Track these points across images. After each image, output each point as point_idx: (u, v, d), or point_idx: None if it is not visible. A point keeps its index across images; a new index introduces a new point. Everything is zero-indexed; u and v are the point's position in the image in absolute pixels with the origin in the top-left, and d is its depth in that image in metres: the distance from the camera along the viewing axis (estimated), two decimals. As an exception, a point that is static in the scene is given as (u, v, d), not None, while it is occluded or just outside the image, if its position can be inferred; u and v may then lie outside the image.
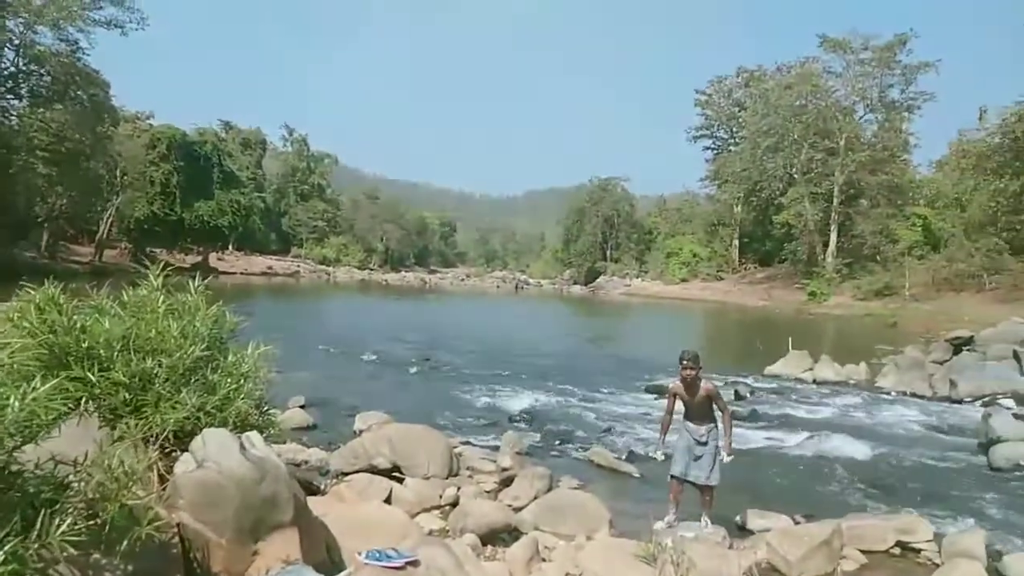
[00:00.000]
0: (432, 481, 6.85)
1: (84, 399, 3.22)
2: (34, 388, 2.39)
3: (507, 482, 7.18)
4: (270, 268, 63.95)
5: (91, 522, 2.45)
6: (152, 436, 3.36)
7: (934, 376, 15.94)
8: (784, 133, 52.80)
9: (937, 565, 5.65)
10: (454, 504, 6.38)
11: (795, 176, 53.01)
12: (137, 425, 3.36)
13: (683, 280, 62.36)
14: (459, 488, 6.80)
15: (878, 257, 47.56)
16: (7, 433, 2.26)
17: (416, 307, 40.52)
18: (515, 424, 10.42)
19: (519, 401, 12.03)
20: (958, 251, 42.15)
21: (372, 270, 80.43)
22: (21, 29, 36.78)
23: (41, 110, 38.50)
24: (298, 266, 69.71)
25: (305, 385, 11.67)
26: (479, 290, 67.60)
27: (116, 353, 3.52)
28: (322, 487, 6.24)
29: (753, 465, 8.74)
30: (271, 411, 6.39)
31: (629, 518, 6.10)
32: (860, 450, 9.64)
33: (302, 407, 10.07)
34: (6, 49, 37.16)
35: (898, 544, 6.02)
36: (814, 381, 16.25)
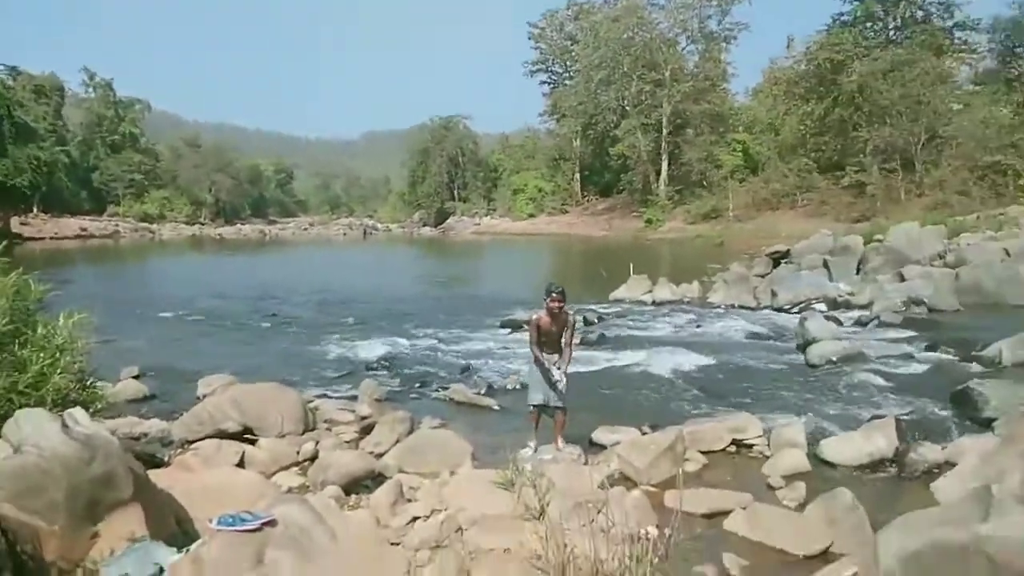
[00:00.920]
0: (288, 439, 6.62)
1: None
2: None
3: (367, 430, 7.10)
4: (84, 230, 57.92)
5: None
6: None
7: (757, 288, 17.55)
8: (615, 66, 54.38)
9: (767, 457, 6.34)
10: (314, 459, 6.22)
11: (627, 108, 55.09)
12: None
13: (530, 215, 63.67)
14: (317, 442, 6.62)
15: (705, 182, 51.04)
16: None
17: (256, 261, 38.41)
18: (372, 372, 10.26)
19: (375, 349, 11.81)
20: (774, 173, 46.27)
21: (203, 224, 75.07)
22: None
23: None
24: (117, 225, 63.63)
25: (138, 354, 10.84)
26: (324, 239, 65.30)
27: None
28: (166, 458, 5.83)
29: (602, 385, 9.26)
30: (96, 384, 5.87)
31: (490, 449, 6.25)
32: (696, 361, 10.49)
33: (136, 377, 9.32)
34: None
35: (733, 442, 6.67)
36: (653, 302, 17.33)
